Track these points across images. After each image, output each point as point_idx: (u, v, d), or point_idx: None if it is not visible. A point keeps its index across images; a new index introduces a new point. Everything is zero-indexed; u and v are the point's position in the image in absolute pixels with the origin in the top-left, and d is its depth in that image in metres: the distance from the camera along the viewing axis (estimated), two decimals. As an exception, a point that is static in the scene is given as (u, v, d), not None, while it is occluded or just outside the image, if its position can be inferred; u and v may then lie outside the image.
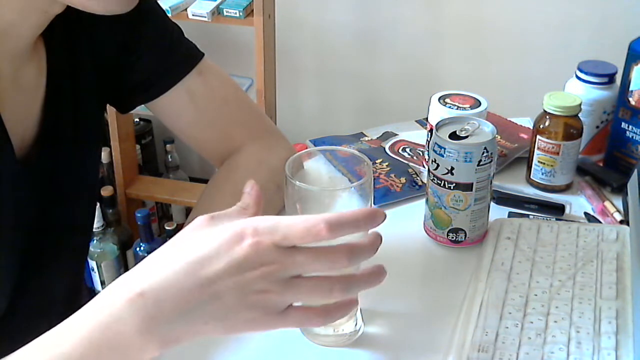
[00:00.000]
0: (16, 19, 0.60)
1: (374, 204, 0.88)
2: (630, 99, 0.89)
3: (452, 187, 0.76)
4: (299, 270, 0.50)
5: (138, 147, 2.16)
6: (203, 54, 0.80)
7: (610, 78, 0.92)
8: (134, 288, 0.48)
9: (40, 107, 0.68)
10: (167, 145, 2.14)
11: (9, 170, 0.63)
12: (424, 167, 0.93)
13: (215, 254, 0.48)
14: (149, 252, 2.08)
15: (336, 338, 0.66)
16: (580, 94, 0.91)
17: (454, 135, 0.76)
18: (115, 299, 0.48)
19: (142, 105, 0.81)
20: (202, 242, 0.49)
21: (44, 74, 0.68)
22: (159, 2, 0.80)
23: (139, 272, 0.50)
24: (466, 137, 0.75)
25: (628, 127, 0.90)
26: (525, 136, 1.00)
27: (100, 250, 1.79)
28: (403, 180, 0.92)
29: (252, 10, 1.67)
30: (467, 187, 0.76)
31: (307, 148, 0.97)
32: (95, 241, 1.77)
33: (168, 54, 0.77)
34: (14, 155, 0.63)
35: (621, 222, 0.84)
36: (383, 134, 1.05)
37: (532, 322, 0.66)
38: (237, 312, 0.49)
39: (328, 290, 0.50)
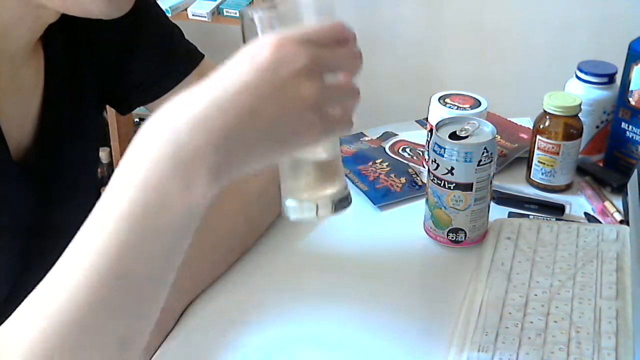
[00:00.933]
0: (13, 22, 0.60)
1: (375, 204, 0.88)
2: (630, 99, 0.89)
3: (452, 187, 0.76)
4: (326, 65, 0.48)
5: (138, 147, 2.15)
6: (203, 55, 0.80)
7: (610, 78, 0.92)
8: (165, 124, 0.45)
9: (38, 108, 0.68)
10: (167, 146, 2.13)
11: (6, 172, 0.63)
12: (424, 167, 0.93)
13: (240, 66, 0.46)
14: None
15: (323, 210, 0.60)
16: (580, 94, 0.91)
17: (454, 135, 0.76)
18: (149, 143, 0.46)
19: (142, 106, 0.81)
20: (227, 66, 0.47)
21: (42, 75, 0.68)
22: (158, 2, 0.80)
23: (169, 112, 0.47)
24: (466, 137, 0.75)
25: (628, 127, 0.90)
26: (525, 136, 1.00)
27: (101, 250, 1.79)
28: (403, 180, 0.92)
29: (252, 11, 1.67)
30: (467, 187, 0.76)
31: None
32: (95, 241, 1.77)
33: (168, 55, 0.77)
34: (10, 157, 0.63)
35: (621, 222, 0.84)
36: (383, 134, 1.05)
37: (532, 322, 0.66)
38: (279, 122, 0.46)
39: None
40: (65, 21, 0.65)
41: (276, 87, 0.45)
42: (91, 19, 0.61)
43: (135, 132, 0.47)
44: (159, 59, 0.77)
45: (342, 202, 0.58)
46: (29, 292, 0.68)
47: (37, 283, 0.62)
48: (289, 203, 0.57)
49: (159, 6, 0.79)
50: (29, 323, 0.46)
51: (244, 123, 0.45)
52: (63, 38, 0.69)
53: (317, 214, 0.57)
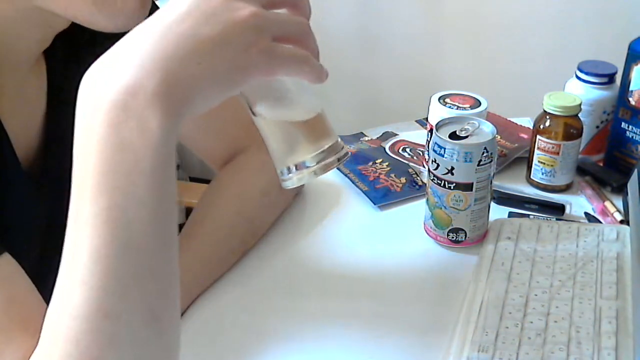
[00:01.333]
0: (22, 33, 0.60)
1: (375, 204, 0.88)
2: (630, 99, 0.89)
3: (452, 187, 0.76)
4: None
5: (138, 147, 2.15)
6: None
7: (610, 78, 0.92)
8: (103, 70, 0.45)
9: (43, 116, 0.68)
10: (167, 145, 2.13)
11: (16, 180, 0.63)
12: (424, 167, 0.93)
13: (174, 1, 0.46)
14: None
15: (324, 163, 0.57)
16: (580, 94, 0.91)
17: (454, 135, 0.76)
18: (92, 97, 0.44)
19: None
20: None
21: (45, 83, 0.68)
22: (158, 4, 0.80)
23: (106, 56, 0.46)
24: (466, 137, 0.75)
25: (628, 127, 0.90)
26: (525, 136, 1.00)
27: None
28: (403, 180, 0.92)
29: (252, 11, 1.67)
30: (467, 187, 0.76)
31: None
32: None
33: None
34: (21, 167, 0.64)
35: (621, 222, 0.84)
36: (383, 134, 1.05)
37: (532, 322, 0.66)
38: (221, 45, 0.44)
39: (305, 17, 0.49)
40: (68, 32, 0.65)
41: (211, 11, 0.45)
42: (94, 31, 0.61)
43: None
44: None
45: (337, 156, 0.56)
46: (45, 293, 0.67)
47: (47, 287, 0.62)
48: (284, 172, 0.56)
49: None
50: (56, 332, 0.46)
51: (182, 48, 0.44)
52: (64, 45, 0.69)
53: (315, 173, 0.56)
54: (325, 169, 0.56)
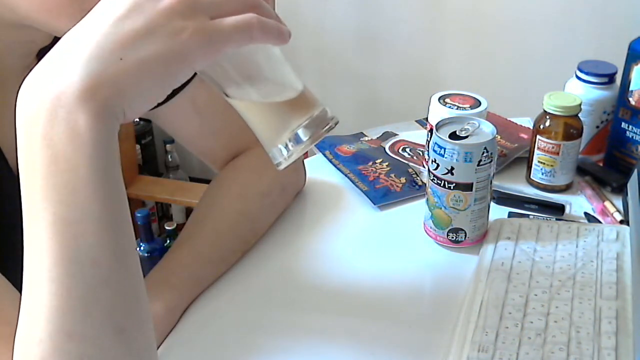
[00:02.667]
0: (4, 49, 0.60)
1: (374, 204, 0.88)
2: (630, 99, 0.89)
3: (452, 187, 0.76)
4: None
5: (138, 147, 2.16)
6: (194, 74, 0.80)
7: (610, 78, 0.92)
8: (32, 82, 0.44)
9: None
10: (167, 145, 2.14)
11: (12, 195, 0.63)
12: (424, 167, 0.93)
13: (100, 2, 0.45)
14: (149, 252, 2.06)
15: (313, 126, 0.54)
16: (580, 94, 0.91)
17: (454, 135, 0.76)
18: (25, 110, 0.44)
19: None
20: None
21: None
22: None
23: (35, 71, 0.45)
24: (466, 137, 0.75)
25: (628, 127, 0.90)
26: (525, 136, 1.00)
27: (101, 250, 1.79)
28: (403, 180, 0.92)
29: (252, 10, 1.67)
30: (467, 187, 0.76)
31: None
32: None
33: None
34: (16, 179, 0.63)
35: (621, 222, 0.84)
36: (383, 134, 1.05)
37: (532, 322, 0.66)
38: (145, 37, 0.43)
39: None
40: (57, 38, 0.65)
41: (135, 4, 0.43)
42: None
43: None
44: None
45: (325, 123, 0.53)
46: None
47: None
48: (276, 152, 0.52)
49: None
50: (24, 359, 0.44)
51: (103, 46, 0.42)
52: None
53: (306, 147, 0.53)
54: (315, 140, 0.53)
